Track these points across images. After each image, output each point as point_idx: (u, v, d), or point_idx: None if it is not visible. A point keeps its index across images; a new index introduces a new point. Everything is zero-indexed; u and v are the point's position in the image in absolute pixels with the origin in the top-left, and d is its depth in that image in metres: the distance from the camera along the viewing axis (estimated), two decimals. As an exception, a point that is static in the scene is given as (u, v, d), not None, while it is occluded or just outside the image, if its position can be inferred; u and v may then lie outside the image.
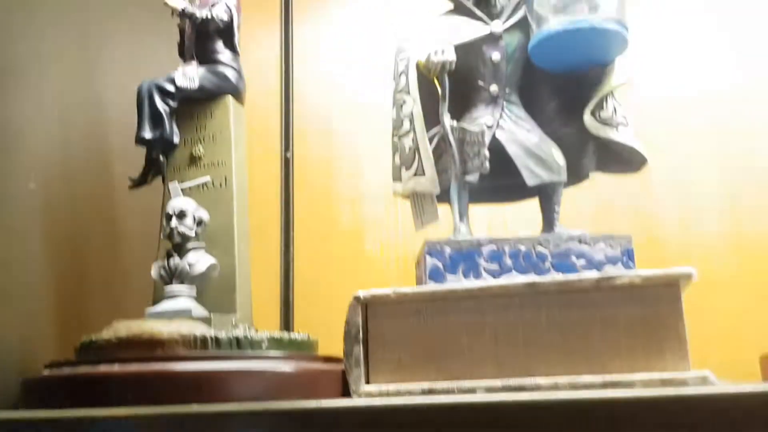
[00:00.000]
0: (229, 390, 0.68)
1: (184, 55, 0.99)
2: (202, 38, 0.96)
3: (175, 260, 0.82)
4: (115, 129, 1.09)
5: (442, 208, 0.85)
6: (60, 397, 0.68)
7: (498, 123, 0.85)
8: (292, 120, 1.47)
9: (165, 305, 0.81)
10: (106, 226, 1.08)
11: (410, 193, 0.85)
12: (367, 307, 0.71)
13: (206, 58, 0.96)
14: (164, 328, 0.74)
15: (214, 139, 0.93)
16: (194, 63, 0.95)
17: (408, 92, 0.84)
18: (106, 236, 1.07)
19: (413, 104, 0.83)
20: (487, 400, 0.56)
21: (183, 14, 0.95)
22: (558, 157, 0.83)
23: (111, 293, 1.05)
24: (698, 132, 1.26)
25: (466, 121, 0.86)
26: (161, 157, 0.93)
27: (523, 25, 0.87)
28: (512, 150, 0.83)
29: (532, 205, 0.88)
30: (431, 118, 0.84)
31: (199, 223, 0.84)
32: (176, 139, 0.93)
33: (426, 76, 0.84)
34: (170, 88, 0.92)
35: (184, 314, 0.79)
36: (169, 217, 0.83)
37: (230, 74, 0.95)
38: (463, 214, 0.83)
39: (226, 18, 0.96)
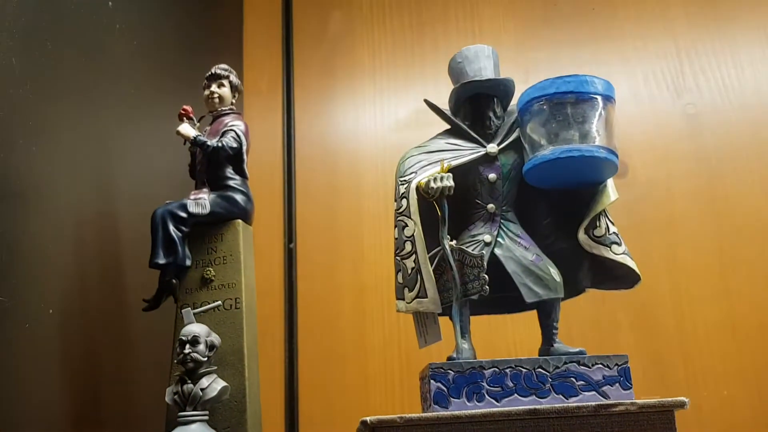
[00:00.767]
0: None
1: (194, 177, 1.04)
2: (213, 165, 1.01)
3: (189, 386, 0.84)
4: (128, 246, 1.12)
5: (443, 320, 0.88)
6: None
7: (496, 240, 0.89)
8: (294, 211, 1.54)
9: (180, 432, 0.83)
10: (119, 346, 1.10)
11: (413, 313, 0.88)
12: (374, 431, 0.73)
13: (217, 184, 1.00)
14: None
15: (225, 261, 0.97)
16: (206, 189, 1.00)
17: (409, 215, 0.88)
18: (119, 356, 1.09)
19: (414, 227, 0.87)
20: None
21: (194, 143, 1.00)
22: (555, 274, 0.87)
23: (123, 413, 1.07)
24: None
25: (464, 238, 0.89)
26: (174, 280, 0.96)
27: (517, 146, 0.91)
28: (510, 267, 0.86)
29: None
30: (432, 236, 0.88)
31: (212, 348, 0.87)
32: (188, 263, 0.97)
33: (425, 198, 0.88)
34: (183, 214, 0.97)
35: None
36: (182, 343, 0.85)
37: (240, 199, 1.00)
38: (465, 332, 0.86)
39: (235, 146, 1.00)
